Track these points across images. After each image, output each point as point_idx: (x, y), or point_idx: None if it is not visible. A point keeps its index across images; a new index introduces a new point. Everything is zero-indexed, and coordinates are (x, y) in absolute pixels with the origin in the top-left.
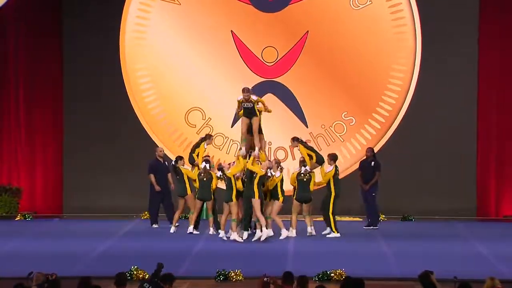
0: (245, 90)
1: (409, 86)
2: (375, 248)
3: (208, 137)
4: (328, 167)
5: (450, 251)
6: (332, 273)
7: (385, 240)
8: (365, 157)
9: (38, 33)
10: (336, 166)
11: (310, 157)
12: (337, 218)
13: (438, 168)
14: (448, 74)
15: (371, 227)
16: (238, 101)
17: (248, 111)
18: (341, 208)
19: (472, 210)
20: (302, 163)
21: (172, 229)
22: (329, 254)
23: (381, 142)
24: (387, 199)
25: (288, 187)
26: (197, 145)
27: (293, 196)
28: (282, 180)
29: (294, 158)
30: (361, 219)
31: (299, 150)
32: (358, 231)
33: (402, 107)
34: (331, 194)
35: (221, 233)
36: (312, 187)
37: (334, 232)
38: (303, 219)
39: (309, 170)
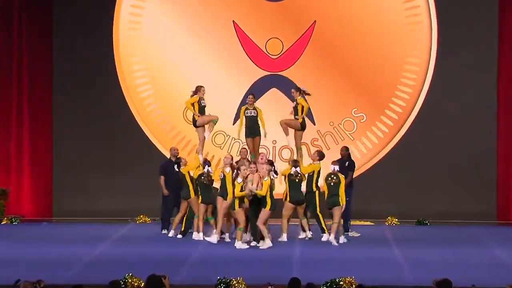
0: (251, 95)
1: (424, 81)
2: (388, 254)
3: (198, 89)
4: (313, 162)
5: (468, 258)
6: (341, 281)
7: (398, 245)
8: (340, 157)
9: (26, 24)
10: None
11: (296, 116)
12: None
13: (455, 169)
14: (466, 67)
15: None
16: (242, 109)
17: (251, 121)
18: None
19: (492, 214)
20: (294, 163)
21: (171, 233)
22: (338, 260)
23: (394, 141)
24: (400, 202)
25: (278, 190)
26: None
27: (285, 198)
28: (271, 186)
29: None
30: (372, 223)
31: (296, 100)
32: (368, 235)
33: (416, 103)
34: (314, 193)
35: (237, 244)
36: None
37: (325, 232)
38: (296, 223)
39: (299, 171)
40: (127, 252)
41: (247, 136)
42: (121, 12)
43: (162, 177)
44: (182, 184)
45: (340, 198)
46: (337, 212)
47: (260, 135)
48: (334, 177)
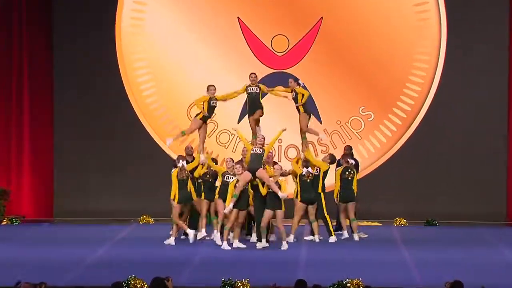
0: (253, 73)
1: (433, 79)
2: (396, 256)
3: (208, 89)
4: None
5: (477, 259)
6: (348, 283)
7: (407, 246)
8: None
9: (26, 24)
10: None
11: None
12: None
13: (465, 169)
14: (476, 65)
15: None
16: (244, 86)
17: (253, 98)
18: (357, 212)
19: (502, 215)
20: (305, 163)
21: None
22: (345, 261)
23: (403, 140)
24: (409, 202)
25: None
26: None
27: (296, 196)
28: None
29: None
30: (380, 224)
31: (295, 90)
32: (376, 236)
33: (425, 101)
34: (320, 194)
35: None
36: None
37: (332, 234)
38: (303, 223)
39: (310, 171)
40: (130, 253)
41: (249, 115)
42: (123, 9)
43: None
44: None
45: (354, 192)
46: (353, 207)
47: (261, 108)
48: (352, 172)
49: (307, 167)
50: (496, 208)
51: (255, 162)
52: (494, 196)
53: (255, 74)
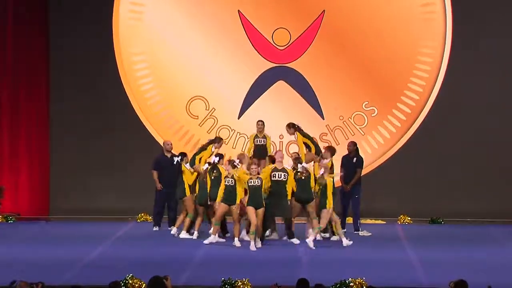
0: (260, 121)
1: (438, 73)
2: (400, 254)
3: (217, 140)
4: (324, 160)
5: (484, 258)
6: (351, 282)
7: (411, 245)
8: (347, 152)
9: (22, 20)
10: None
11: (308, 147)
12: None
13: (470, 165)
14: (482, 59)
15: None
16: (251, 136)
17: (259, 149)
18: (361, 210)
19: (509, 212)
20: (297, 160)
21: (174, 231)
22: (348, 260)
23: (407, 135)
24: (414, 199)
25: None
26: (203, 148)
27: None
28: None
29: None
30: (383, 222)
31: (295, 138)
32: (380, 234)
33: (430, 96)
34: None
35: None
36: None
37: (334, 234)
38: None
39: (305, 167)
40: (128, 252)
41: (254, 157)
42: (121, 3)
43: (155, 172)
44: (179, 182)
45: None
46: (312, 209)
47: (265, 158)
48: (304, 172)
49: (300, 163)
50: (502, 206)
51: (256, 198)
52: (500, 194)
53: (262, 122)
